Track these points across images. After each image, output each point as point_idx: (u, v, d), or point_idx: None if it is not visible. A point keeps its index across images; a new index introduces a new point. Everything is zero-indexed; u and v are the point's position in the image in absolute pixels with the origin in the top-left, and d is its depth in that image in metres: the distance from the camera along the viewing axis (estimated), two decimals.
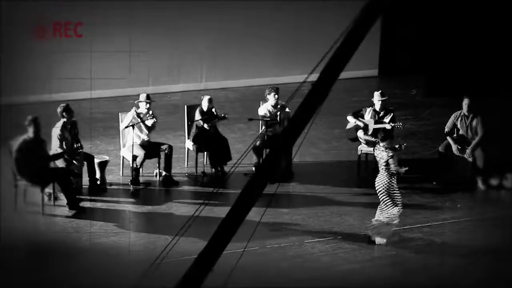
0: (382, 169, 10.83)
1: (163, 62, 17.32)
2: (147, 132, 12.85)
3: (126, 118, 12.81)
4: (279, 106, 13.34)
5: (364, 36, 5.89)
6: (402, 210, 10.98)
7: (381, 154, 10.81)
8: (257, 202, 6.29)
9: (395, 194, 10.87)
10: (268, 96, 13.35)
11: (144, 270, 7.19)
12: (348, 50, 5.91)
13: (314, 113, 6.08)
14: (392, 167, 10.70)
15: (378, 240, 10.98)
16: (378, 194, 10.90)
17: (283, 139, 6.28)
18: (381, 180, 10.84)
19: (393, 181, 10.82)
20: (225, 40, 17.65)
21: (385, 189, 10.81)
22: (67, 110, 12.23)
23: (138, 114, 12.75)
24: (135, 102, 12.96)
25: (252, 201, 6.30)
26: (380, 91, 13.24)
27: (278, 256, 10.69)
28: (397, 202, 10.87)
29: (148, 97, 12.89)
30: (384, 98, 13.18)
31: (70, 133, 12.25)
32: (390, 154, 10.73)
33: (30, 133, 11.59)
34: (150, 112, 12.85)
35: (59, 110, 12.23)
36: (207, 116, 13.13)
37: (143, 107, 12.83)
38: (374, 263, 10.65)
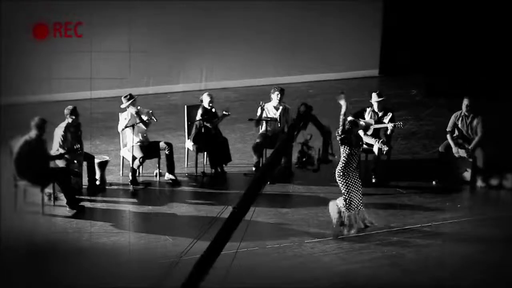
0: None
1: (163, 62, 17.32)
2: (145, 128, 12.83)
3: (122, 117, 12.83)
4: (281, 107, 13.32)
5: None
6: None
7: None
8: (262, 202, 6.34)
9: (349, 183, 11.12)
10: (272, 96, 13.35)
11: (165, 270, 7.19)
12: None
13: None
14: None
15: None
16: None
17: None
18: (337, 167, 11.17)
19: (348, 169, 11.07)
20: (225, 40, 17.65)
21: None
22: (74, 112, 12.24)
23: (137, 112, 12.71)
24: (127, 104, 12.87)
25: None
26: (377, 92, 13.24)
27: (278, 256, 10.68)
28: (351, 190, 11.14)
29: (131, 96, 12.82)
30: (381, 99, 13.17)
31: (75, 135, 12.25)
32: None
33: (32, 134, 11.57)
34: (150, 112, 12.86)
35: (66, 111, 12.23)
36: (207, 116, 13.12)
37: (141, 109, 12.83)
38: (374, 263, 10.63)
